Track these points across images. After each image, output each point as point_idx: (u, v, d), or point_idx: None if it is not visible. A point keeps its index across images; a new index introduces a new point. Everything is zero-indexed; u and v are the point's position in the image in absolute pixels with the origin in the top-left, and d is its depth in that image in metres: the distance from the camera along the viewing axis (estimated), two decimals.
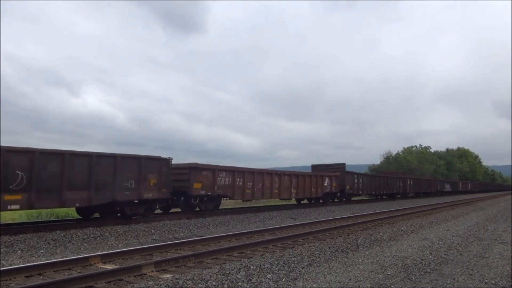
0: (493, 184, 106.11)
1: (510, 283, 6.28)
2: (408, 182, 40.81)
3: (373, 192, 32.52)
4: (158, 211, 15.42)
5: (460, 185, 65.21)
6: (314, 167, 29.83)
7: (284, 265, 7.08)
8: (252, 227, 13.21)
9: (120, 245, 9.64)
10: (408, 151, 77.03)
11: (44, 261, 7.35)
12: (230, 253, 8.30)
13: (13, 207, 10.24)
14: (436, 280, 6.41)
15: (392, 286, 5.96)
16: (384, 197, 36.03)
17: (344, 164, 28.99)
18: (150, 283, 5.89)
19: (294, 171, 22.87)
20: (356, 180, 29.63)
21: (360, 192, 30.45)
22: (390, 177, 36.76)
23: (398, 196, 39.43)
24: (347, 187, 27.78)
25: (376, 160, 74.54)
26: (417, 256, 8.19)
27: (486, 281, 6.38)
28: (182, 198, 16.02)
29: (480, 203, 30.54)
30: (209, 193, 16.12)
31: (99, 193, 11.97)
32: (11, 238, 9.51)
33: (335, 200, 28.27)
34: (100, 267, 6.97)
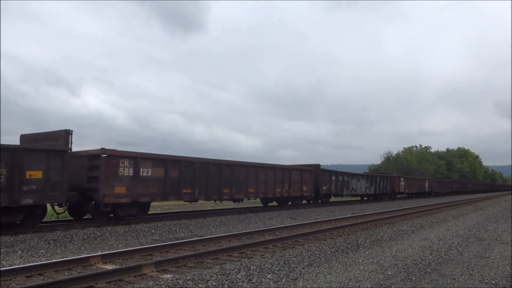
0: (485, 184, 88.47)
1: (510, 283, 6.28)
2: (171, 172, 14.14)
3: None
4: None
5: (402, 184, 36.22)
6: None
7: (284, 265, 7.08)
8: (253, 227, 13.21)
9: (120, 245, 9.64)
10: (408, 151, 77.09)
11: (44, 261, 7.35)
12: (231, 253, 8.30)
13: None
14: (436, 280, 6.41)
15: (393, 286, 5.96)
16: None
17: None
18: (150, 283, 5.89)
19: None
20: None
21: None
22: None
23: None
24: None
25: (377, 160, 74.54)
26: (418, 256, 8.19)
27: (487, 281, 6.38)
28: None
29: (480, 203, 30.55)
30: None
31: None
32: (11, 238, 9.50)
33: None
34: (101, 267, 6.97)
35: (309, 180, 22.39)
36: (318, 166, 23.67)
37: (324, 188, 24.09)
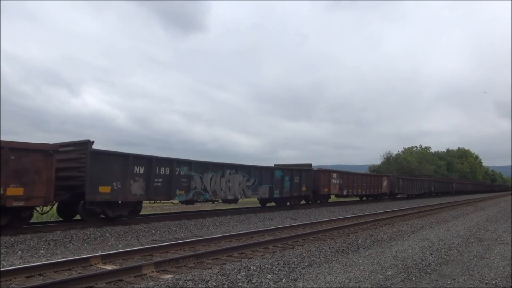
0: (479, 184, 79.23)
1: (510, 284, 6.28)
2: None
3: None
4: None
5: (336, 183, 25.14)
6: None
7: (284, 265, 7.08)
8: (253, 228, 13.21)
9: (120, 246, 9.64)
10: (408, 151, 77.20)
11: (44, 261, 7.35)
12: (231, 253, 8.30)
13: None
14: (436, 280, 6.41)
15: (393, 287, 5.96)
16: None
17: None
18: (151, 283, 5.89)
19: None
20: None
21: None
22: None
23: None
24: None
25: (377, 160, 74.56)
26: (418, 257, 8.19)
27: (487, 281, 6.38)
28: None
29: (481, 204, 30.55)
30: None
31: None
32: (11, 239, 9.51)
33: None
34: (101, 268, 6.98)
35: (39, 173, 10.39)
36: (85, 143, 11.60)
37: (106, 189, 11.92)
